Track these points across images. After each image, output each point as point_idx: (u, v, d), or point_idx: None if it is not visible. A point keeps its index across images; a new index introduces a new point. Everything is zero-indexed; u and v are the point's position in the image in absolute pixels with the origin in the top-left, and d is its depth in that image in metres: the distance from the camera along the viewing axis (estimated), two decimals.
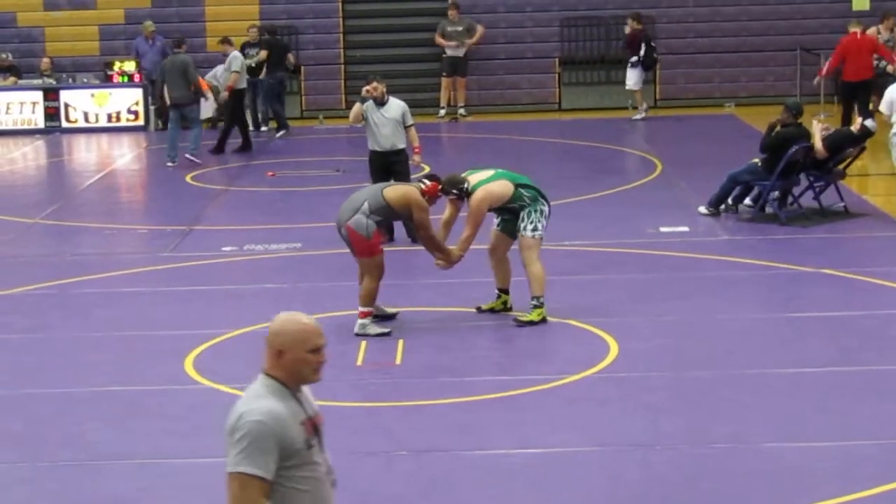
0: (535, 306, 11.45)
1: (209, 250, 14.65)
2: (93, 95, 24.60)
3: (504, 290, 11.82)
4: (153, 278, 13.67)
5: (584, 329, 11.33)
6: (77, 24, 26.61)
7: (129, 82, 24.66)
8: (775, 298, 12.72)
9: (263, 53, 23.14)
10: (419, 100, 23.69)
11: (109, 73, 24.82)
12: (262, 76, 23.29)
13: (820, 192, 15.87)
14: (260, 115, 23.94)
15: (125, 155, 22.65)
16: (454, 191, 11.49)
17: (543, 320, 11.44)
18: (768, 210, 15.60)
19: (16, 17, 26.63)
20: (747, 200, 15.81)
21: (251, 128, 23.39)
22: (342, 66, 26.45)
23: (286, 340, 4.83)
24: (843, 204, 15.82)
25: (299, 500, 4.81)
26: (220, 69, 22.11)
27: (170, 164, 20.53)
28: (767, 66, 26.13)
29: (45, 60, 25.56)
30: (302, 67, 25.93)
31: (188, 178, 19.53)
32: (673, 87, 26.22)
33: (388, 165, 14.42)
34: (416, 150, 14.90)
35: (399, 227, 14.30)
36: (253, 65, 23.02)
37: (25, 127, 24.43)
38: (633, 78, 24.02)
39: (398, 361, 10.64)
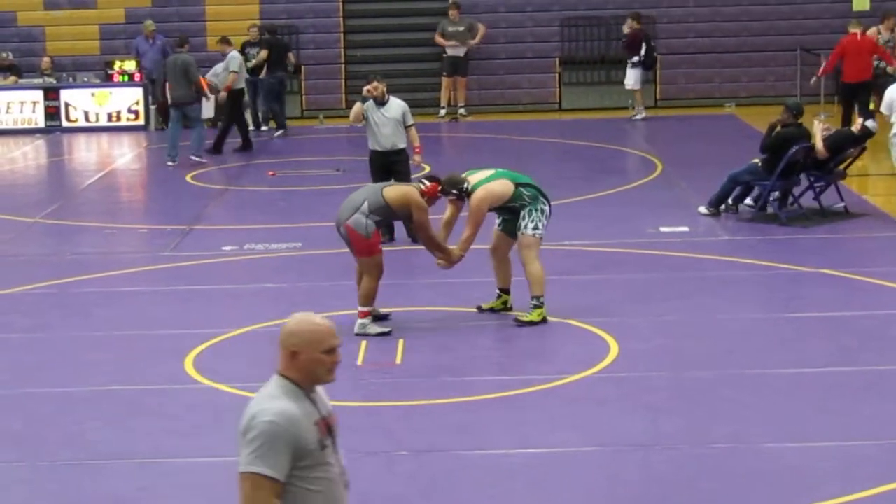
0: (536, 306, 11.45)
1: (209, 250, 14.65)
2: (93, 95, 24.60)
3: (505, 290, 11.82)
4: (153, 278, 13.67)
5: (585, 329, 11.33)
6: (77, 24, 26.61)
7: (130, 82, 24.66)
8: (775, 298, 12.72)
9: (264, 53, 23.14)
10: (419, 99, 23.69)
11: (110, 72, 24.82)
12: (262, 76, 23.28)
13: (820, 192, 15.87)
14: (260, 115, 23.93)
15: (125, 154, 22.65)
16: (454, 191, 11.49)
17: (544, 320, 11.44)
18: (769, 210, 15.60)
19: (16, 17, 26.63)
20: (748, 200, 15.81)
21: (251, 127, 23.41)
22: (342, 66, 26.44)
23: (300, 341, 4.82)
24: (843, 204, 15.82)
25: (312, 500, 4.80)
26: (219, 67, 22.10)
27: (170, 163, 20.53)
28: (768, 66, 26.13)
29: (46, 60, 25.57)
30: (302, 67, 25.93)
31: (188, 178, 19.53)
32: (673, 87, 26.22)
33: (389, 165, 14.42)
34: (417, 149, 14.90)
35: (399, 227, 14.30)
36: (249, 67, 23.00)
37: (26, 126, 24.43)
38: (633, 78, 24.01)
39: (398, 361, 10.64)
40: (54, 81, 24.89)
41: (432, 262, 11.73)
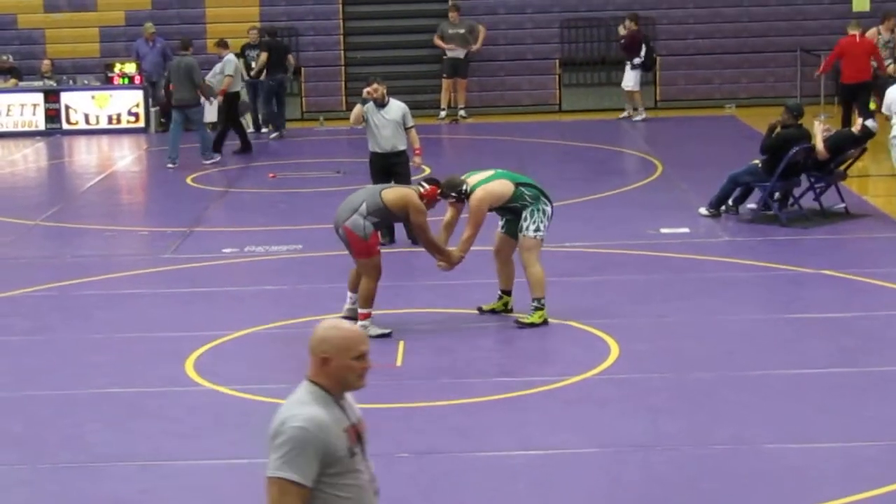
0: (536, 308, 11.45)
1: (210, 252, 14.65)
2: (93, 97, 24.60)
3: (506, 292, 11.82)
4: (154, 280, 13.67)
5: (585, 330, 11.33)
6: (77, 26, 26.62)
7: (130, 84, 24.66)
8: (776, 299, 12.72)
9: (263, 56, 23.13)
10: (420, 101, 23.70)
11: (110, 74, 24.83)
12: (261, 78, 23.28)
13: (820, 193, 15.87)
14: (260, 117, 23.93)
15: (126, 157, 22.65)
16: (453, 194, 11.49)
17: (544, 322, 11.44)
18: (769, 211, 15.60)
19: (16, 19, 26.64)
20: (751, 205, 15.77)
21: (251, 129, 23.42)
22: (342, 68, 26.46)
23: (331, 347, 4.80)
24: (843, 205, 15.81)
25: None
26: (217, 69, 22.10)
27: (170, 165, 20.53)
28: (768, 67, 26.14)
29: (46, 62, 25.59)
30: (302, 69, 25.93)
31: (189, 180, 19.53)
32: (673, 88, 26.22)
33: (389, 167, 14.42)
34: (417, 151, 14.91)
35: (400, 229, 14.30)
36: (252, 72, 23.01)
37: (26, 129, 24.43)
38: (632, 79, 24.02)
39: (399, 363, 10.64)
40: (54, 84, 24.90)
41: (432, 264, 11.73)
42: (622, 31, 24.19)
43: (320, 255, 14.16)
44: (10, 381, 10.53)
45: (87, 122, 24.52)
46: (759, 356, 10.61)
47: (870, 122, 16.14)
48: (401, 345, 11.00)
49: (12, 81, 25.07)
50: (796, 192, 15.81)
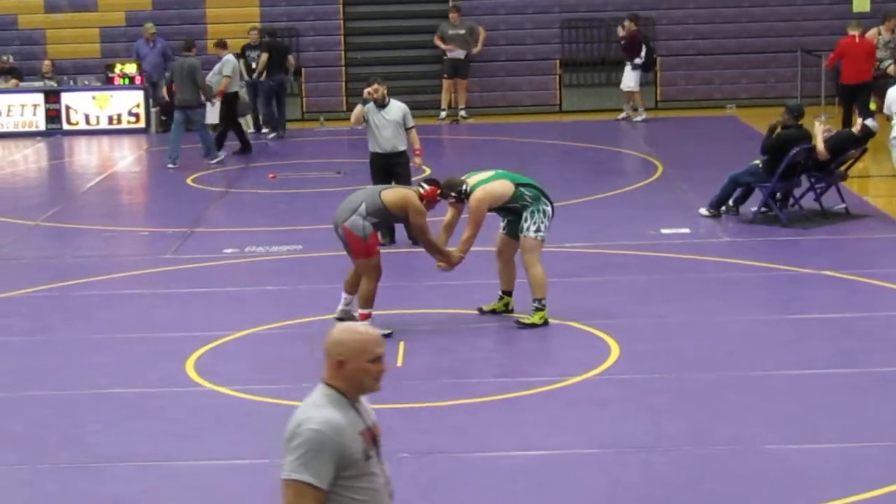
0: (537, 309, 11.45)
1: (210, 252, 14.65)
2: (94, 98, 24.61)
3: (507, 293, 11.82)
4: (154, 280, 13.67)
5: (586, 331, 11.33)
6: (78, 27, 26.62)
7: (130, 84, 24.66)
8: (776, 300, 12.72)
9: (264, 56, 23.13)
10: (420, 102, 23.69)
11: (110, 75, 24.84)
12: (261, 78, 23.27)
13: (821, 193, 15.87)
14: (261, 118, 23.92)
15: (126, 157, 22.65)
16: (452, 194, 11.49)
17: (545, 323, 11.44)
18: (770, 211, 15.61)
19: (17, 20, 26.65)
20: (754, 208, 15.74)
21: (251, 130, 23.42)
22: (343, 68, 26.46)
23: (347, 350, 4.80)
24: (844, 205, 15.81)
25: None
26: (216, 70, 22.10)
27: (170, 165, 20.53)
28: (768, 67, 26.14)
29: (46, 63, 25.60)
30: (303, 69, 25.93)
31: (189, 180, 19.53)
32: (674, 88, 26.22)
33: (389, 167, 14.42)
34: (417, 152, 14.92)
35: (400, 229, 14.30)
36: (247, 71, 23.01)
37: (26, 129, 24.43)
38: (633, 79, 24.02)
39: (399, 363, 10.63)
40: (55, 84, 24.91)
41: (433, 264, 11.74)
42: (621, 31, 24.19)
43: (321, 255, 14.16)
44: (10, 381, 10.54)
45: (88, 122, 24.52)
46: (760, 357, 10.61)
47: (869, 122, 16.14)
48: (401, 345, 11.00)
49: (13, 82, 25.08)
50: (797, 192, 15.81)
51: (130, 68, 24.78)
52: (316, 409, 4.77)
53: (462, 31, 24.96)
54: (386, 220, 11.55)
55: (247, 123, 23.56)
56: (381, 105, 14.40)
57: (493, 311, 11.82)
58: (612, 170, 20.26)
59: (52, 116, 24.46)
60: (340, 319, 11.42)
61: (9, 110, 24.49)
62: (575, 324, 11.52)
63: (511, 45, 26.54)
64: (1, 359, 11.18)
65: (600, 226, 15.51)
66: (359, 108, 14.52)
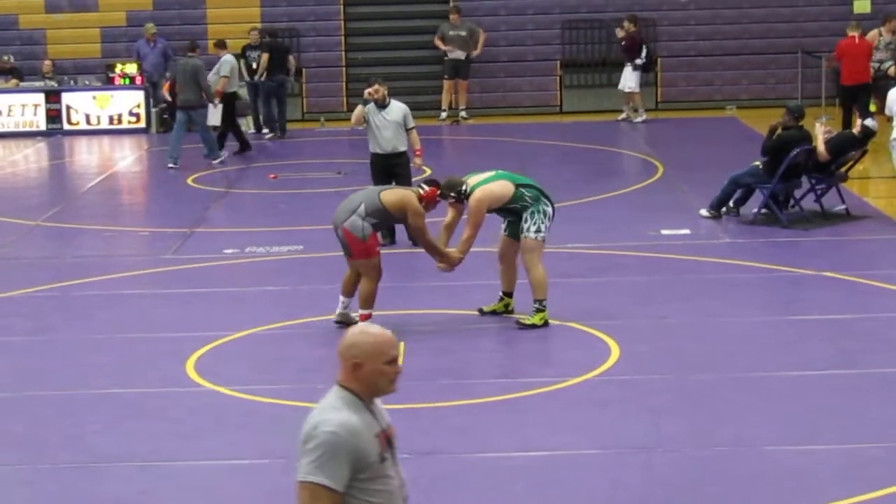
0: (538, 309, 11.45)
1: (211, 252, 14.65)
2: (94, 98, 24.61)
3: (508, 294, 11.82)
4: (155, 280, 13.67)
5: (586, 332, 11.33)
6: (78, 27, 26.63)
7: (131, 84, 24.67)
8: (777, 301, 12.71)
9: (265, 57, 23.12)
10: (421, 102, 23.70)
11: (111, 75, 24.85)
12: (262, 79, 23.27)
13: (821, 194, 15.87)
14: (261, 118, 23.91)
15: (127, 157, 22.65)
16: (452, 194, 11.49)
17: (545, 323, 11.44)
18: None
19: (17, 20, 26.66)
20: (754, 209, 15.74)
21: (252, 130, 23.43)
22: (343, 69, 26.46)
23: (362, 352, 4.79)
24: (844, 206, 15.81)
25: None
26: (215, 70, 22.11)
27: (171, 165, 20.53)
28: (768, 68, 26.14)
29: (47, 63, 25.60)
30: (303, 70, 25.93)
31: (189, 181, 19.53)
32: (674, 89, 26.23)
33: (390, 168, 14.42)
34: (418, 152, 14.92)
35: (401, 230, 14.29)
36: (247, 71, 23.02)
37: (27, 129, 24.44)
38: (633, 80, 24.02)
39: (400, 364, 10.60)
40: (55, 84, 24.91)
41: (433, 265, 11.74)
42: (620, 33, 24.17)
43: (321, 255, 14.16)
44: (11, 381, 10.53)
45: (88, 122, 24.53)
46: (760, 357, 10.61)
47: (869, 121, 16.14)
48: (401, 346, 10.93)
49: (13, 82, 25.08)
50: (797, 193, 15.81)
51: (131, 68, 24.79)
52: (332, 411, 4.75)
53: (463, 33, 24.95)
54: (385, 220, 11.55)
55: (247, 124, 23.57)
56: (382, 106, 14.40)
57: (493, 312, 11.82)
58: (613, 171, 20.27)
59: (53, 116, 24.46)
60: (339, 322, 11.43)
61: (9, 110, 24.50)
62: (575, 325, 11.52)
63: (512, 45, 26.54)
64: (1, 359, 11.18)
65: (600, 227, 15.50)
66: (359, 108, 14.52)
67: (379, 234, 12.04)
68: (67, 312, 12.58)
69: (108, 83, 24.78)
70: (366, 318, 11.19)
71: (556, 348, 11.19)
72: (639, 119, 24.22)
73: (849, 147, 16.06)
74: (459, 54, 24.91)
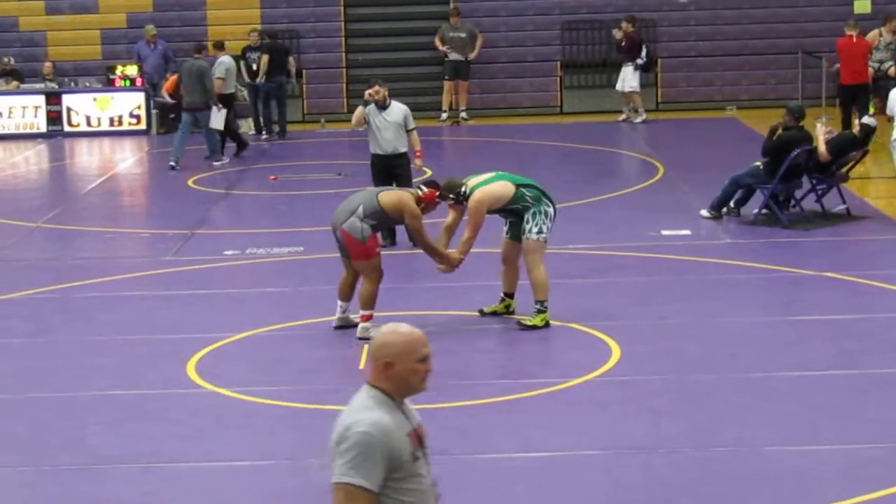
0: (539, 310, 11.45)
1: (211, 254, 14.66)
2: (95, 99, 24.62)
3: (509, 295, 11.82)
4: (155, 282, 13.67)
5: (587, 333, 11.33)
6: (79, 29, 26.63)
7: (131, 86, 24.68)
8: (777, 301, 12.71)
9: (265, 58, 23.12)
10: (421, 103, 23.70)
11: (111, 77, 24.87)
12: (262, 80, 23.26)
13: (822, 195, 15.87)
14: (262, 119, 23.91)
15: (127, 159, 22.66)
16: (451, 196, 11.49)
17: (546, 324, 11.44)
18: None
19: (18, 22, 26.66)
20: (754, 209, 15.74)
21: (252, 131, 23.43)
22: (344, 70, 26.46)
23: (393, 352, 4.78)
24: (845, 207, 15.81)
25: None
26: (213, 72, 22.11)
27: (171, 163, 20.52)
28: (769, 69, 26.14)
29: (48, 64, 25.61)
30: (304, 71, 25.93)
31: (190, 182, 19.54)
32: (674, 90, 26.23)
33: (390, 169, 14.43)
34: (418, 153, 14.93)
35: (401, 231, 14.29)
36: (248, 73, 23.01)
37: (28, 131, 24.45)
38: (634, 80, 24.02)
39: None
40: (56, 86, 24.92)
41: (433, 266, 11.74)
42: (618, 34, 24.16)
43: (321, 257, 14.15)
44: (12, 383, 10.54)
45: (89, 124, 24.53)
46: (761, 358, 10.61)
47: (867, 119, 16.14)
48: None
49: (14, 84, 25.09)
50: (798, 193, 15.81)
51: (131, 70, 24.80)
52: (364, 411, 4.74)
53: (463, 34, 24.95)
54: (384, 222, 11.55)
55: (248, 125, 23.58)
56: (382, 107, 14.40)
57: (494, 313, 11.82)
58: (613, 171, 20.27)
59: (54, 118, 24.47)
60: (340, 328, 11.43)
61: (10, 112, 24.50)
62: (576, 325, 11.52)
63: (512, 46, 26.54)
64: (2, 361, 11.19)
65: (601, 227, 15.51)
66: (360, 109, 14.52)
67: (379, 236, 12.04)
68: (68, 314, 12.58)
69: (109, 85, 24.80)
70: (367, 318, 11.19)
71: (557, 349, 11.19)
72: (639, 119, 24.22)
73: (850, 147, 16.05)
74: (459, 56, 24.92)
